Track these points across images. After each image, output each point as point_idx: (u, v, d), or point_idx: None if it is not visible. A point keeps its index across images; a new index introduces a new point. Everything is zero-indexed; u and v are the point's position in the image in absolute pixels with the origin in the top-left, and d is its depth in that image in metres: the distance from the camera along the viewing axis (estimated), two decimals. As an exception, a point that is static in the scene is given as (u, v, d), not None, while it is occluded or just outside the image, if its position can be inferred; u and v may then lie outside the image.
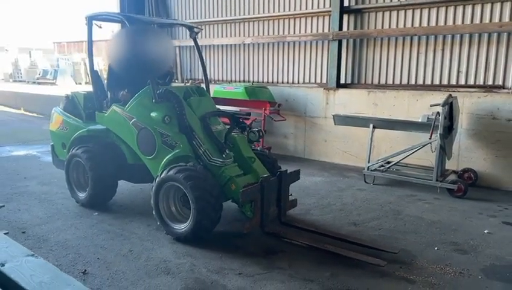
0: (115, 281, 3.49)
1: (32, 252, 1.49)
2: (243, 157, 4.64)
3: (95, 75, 5.44)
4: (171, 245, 4.21)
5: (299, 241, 4.23)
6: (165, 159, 4.55)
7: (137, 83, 4.92)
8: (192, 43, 10.02)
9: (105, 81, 5.46)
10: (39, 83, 26.77)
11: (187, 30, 10.23)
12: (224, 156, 4.47)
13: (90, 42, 5.48)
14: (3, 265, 1.42)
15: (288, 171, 4.70)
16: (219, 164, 4.41)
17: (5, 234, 1.97)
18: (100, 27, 5.37)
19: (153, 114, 4.65)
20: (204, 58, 10.08)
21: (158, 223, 4.47)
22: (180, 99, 4.68)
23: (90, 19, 5.29)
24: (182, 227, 4.29)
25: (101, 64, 18.81)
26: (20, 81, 29.93)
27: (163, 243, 4.25)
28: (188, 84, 8.90)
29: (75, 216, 4.98)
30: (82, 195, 5.29)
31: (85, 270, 3.67)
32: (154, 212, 4.46)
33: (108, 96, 5.33)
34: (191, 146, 4.53)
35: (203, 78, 5.83)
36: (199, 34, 9.96)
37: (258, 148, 5.88)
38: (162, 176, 4.35)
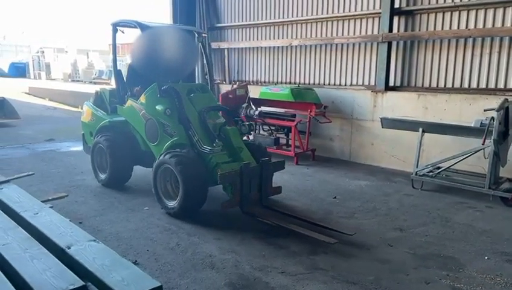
0: (163, 273, 3.66)
1: (94, 238, 1.64)
2: (233, 147, 5.17)
3: (117, 74, 6.18)
4: (215, 241, 4.34)
5: (270, 221, 4.66)
6: (165, 146, 5.22)
7: (149, 80, 5.50)
8: (240, 45, 10.34)
9: (125, 78, 6.18)
10: (95, 83, 28.12)
11: (235, 32, 10.47)
12: (214, 145, 5.00)
13: (114, 45, 6.28)
14: (69, 248, 1.58)
15: (273, 161, 5.23)
16: (208, 152, 4.96)
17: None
18: (123, 32, 6.06)
19: (157, 107, 5.33)
20: (252, 60, 10.29)
21: (156, 199, 5.16)
22: (180, 94, 5.27)
23: (115, 26, 6.04)
24: (172, 204, 4.97)
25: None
26: (78, 81, 31.60)
27: (209, 239, 4.39)
28: (235, 86, 9.09)
29: (127, 210, 5.24)
30: (103, 176, 6.13)
31: (136, 260, 3.87)
32: (153, 190, 5.18)
33: (129, 92, 5.98)
34: (187, 135, 5.14)
35: (208, 78, 6.49)
36: (248, 36, 10.20)
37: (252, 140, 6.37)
38: (159, 159, 5.08)
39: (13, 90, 21.48)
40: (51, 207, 2.45)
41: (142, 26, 5.58)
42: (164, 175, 5.10)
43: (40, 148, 8.91)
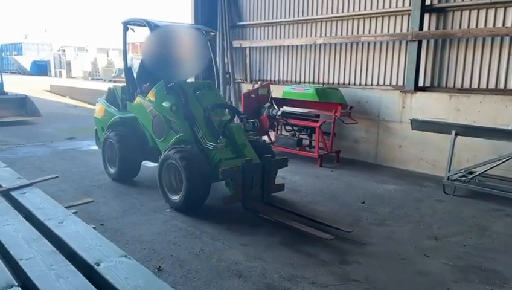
0: (188, 280, 3.50)
1: (125, 253, 1.48)
2: (236, 143, 5.22)
3: (128, 71, 6.30)
4: (241, 247, 4.16)
5: (271, 217, 4.69)
6: (170, 142, 5.34)
7: (159, 78, 5.62)
8: (262, 44, 10.15)
9: (136, 75, 6.32)
10: (114, 82, 28.16)
11: (257, 31, 10.28)
12: (218, 141, 5.09)
13: (125, 43, 6.31)
14: (98, 265, 1.42)
15: (276, 158, 5.33)
16: (211, 148, 5.07)
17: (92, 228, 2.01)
18: (133, 30, 6.16)
19: (164, 103, 5.43)
20: (274, 59, 10.08)
21: (160, 193, 5.27)
22: (186, 92, 5.38)
23: (125, 24, 6.13)
24: (176, 198, 5.05)
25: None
26: (98, 79, 31.79)
27: (234, 244, 4.21)
28: (256, 85, 8.90)
29: (149, 212, 5.10)
30: (112, 170, 6.29)
31: (159, 266, 3.72)
32: (158, 184, 5.27)
33: (138, 88, 6.11)
34: (192, 131, 5.25)
35: (215, 77, 6.45)
36: (270, 35, 10.00)
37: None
38: (164, 154, 5.20)
39: (35, 88, 21.76)
40: (76, 213, 2.31)
41: (151, 25, 5.67)
42: (169, 170, 5.18)
43: (61, 147, 8.89)
